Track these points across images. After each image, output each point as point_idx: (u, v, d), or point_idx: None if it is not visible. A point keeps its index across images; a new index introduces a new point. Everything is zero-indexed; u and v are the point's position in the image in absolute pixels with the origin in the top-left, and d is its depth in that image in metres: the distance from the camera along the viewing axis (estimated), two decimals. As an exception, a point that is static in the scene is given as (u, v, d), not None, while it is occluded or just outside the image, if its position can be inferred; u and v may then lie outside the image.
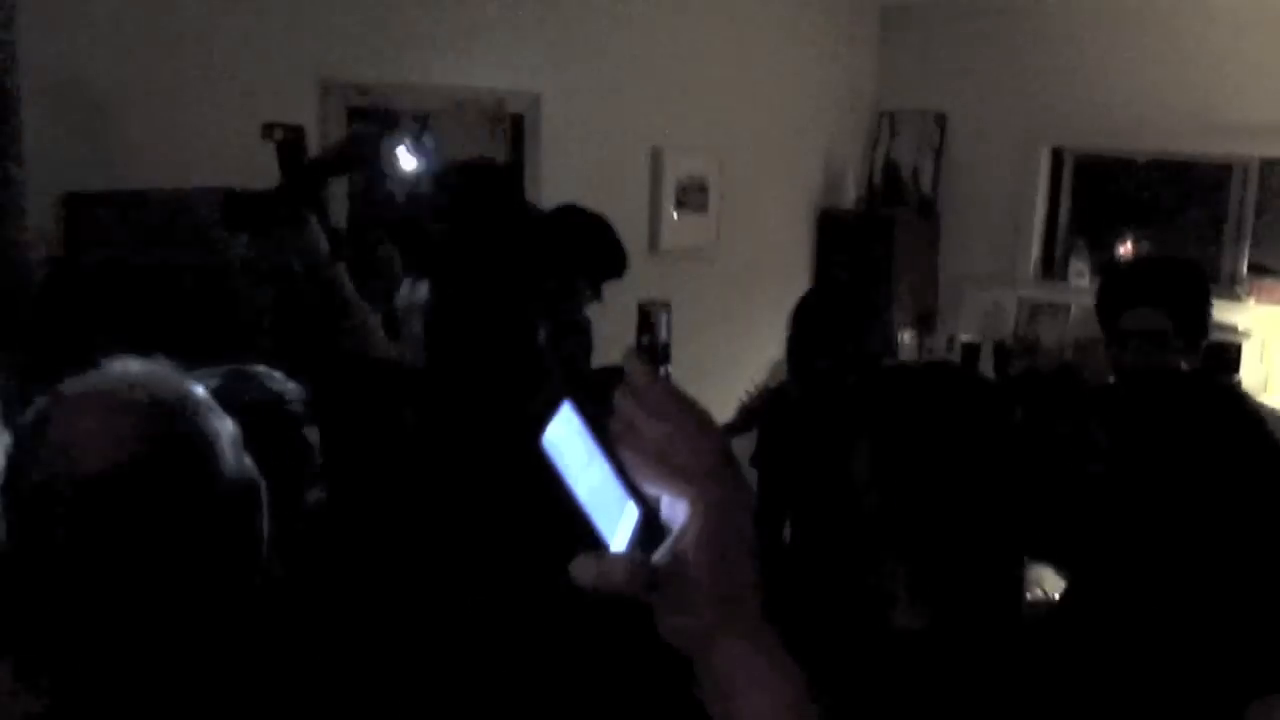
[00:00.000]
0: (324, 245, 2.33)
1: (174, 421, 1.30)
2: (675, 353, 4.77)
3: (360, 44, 3.93)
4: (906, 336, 6.01)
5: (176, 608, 1.28)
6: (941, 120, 6.13)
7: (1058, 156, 6.07)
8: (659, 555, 0.82)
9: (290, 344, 2.31)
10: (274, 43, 3.68)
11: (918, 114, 6.18)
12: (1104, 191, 6.11)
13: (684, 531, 0.82)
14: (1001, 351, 5.78)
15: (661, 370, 0.80)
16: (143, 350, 1.39)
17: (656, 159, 5.19)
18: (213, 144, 3.41)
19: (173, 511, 1.26)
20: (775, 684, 0.82)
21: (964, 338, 5.91)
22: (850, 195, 6.11)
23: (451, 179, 2.58)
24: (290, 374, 2.20)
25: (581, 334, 3.62)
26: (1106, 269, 3.14)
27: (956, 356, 5.86)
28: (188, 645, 1.28)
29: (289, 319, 2.31)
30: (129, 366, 1.34)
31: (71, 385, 1.31)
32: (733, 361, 5.43)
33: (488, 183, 2.32)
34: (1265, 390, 5.31)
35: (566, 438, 0.81)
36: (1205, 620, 1.47)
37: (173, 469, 1.27)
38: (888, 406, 1.63)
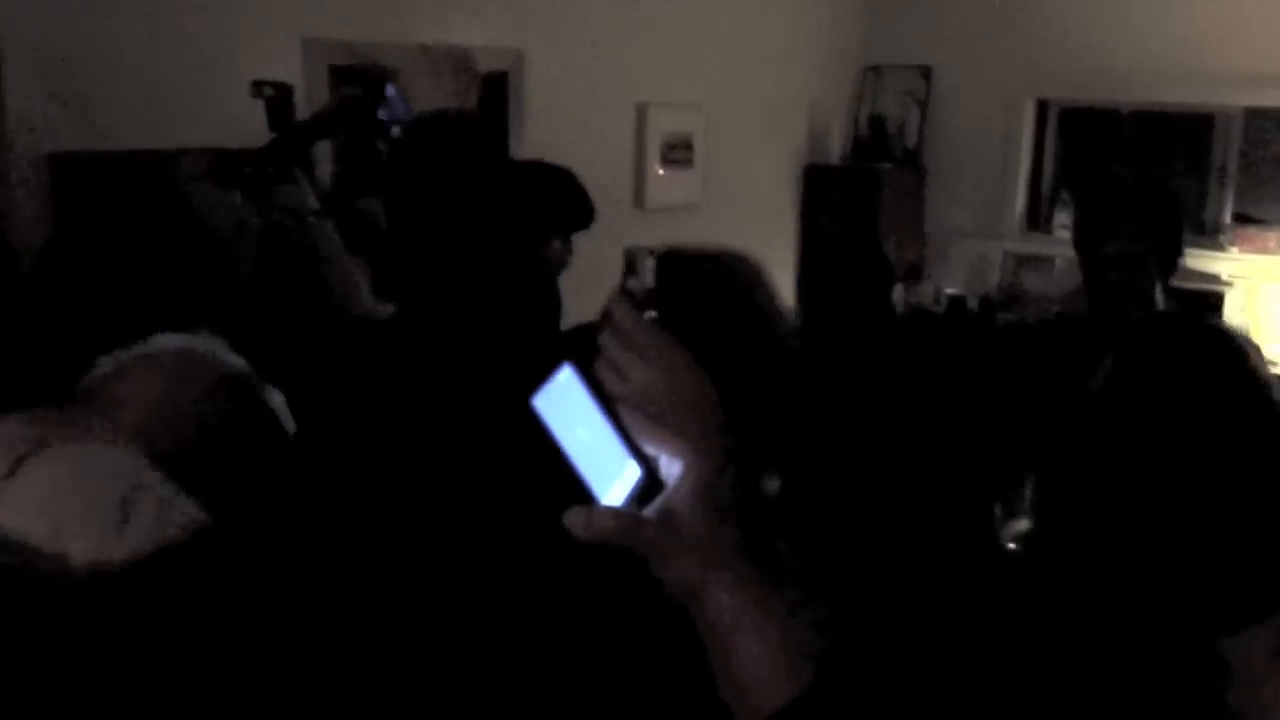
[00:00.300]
0: (312, 202, 2.34)
1: (246, 394, 1.30)
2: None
3: (345, 1, 3.91)
4: (894, 290, 6.04)
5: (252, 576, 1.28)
6: (926, 73, 6.12)
7: (1042, 108, 6.08)
8: (650, 509, 0.85)
9: (278, 301, 2.32)
10: (257, 0, 3.66)
11: (903, 68, 6.17)
12: (1089, 143, 6.13)
13: (677, 487, 0.86)
14: (987, 304, 5.81)
15: (647, 314, 0.84)
16: (138, 315, 1.39)
17: (642, 115, 5.18)
18: (196, 103, 3.39)
19: (258, 477, 1.27)
20: (764, 629, 0.85)
21: (950, 291, 5.94)
22: (836, 150, 6.11)
23: (427, 130, 2.57)
24: (278, 333, 2.22)
25: (552, 293, 3.63)
26: (1084, 198, 3.18)
27: (942, 309, 5.90)
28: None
29: (277, 276, 2.32)
30: (178, 341, 1.33)
31: (128, 358, 1.30)
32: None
33: (465, 134, 2.31)
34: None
35: (563, 399, 0.84)
36: (1182, 560, 1.50)
37: (252, 438, 1.27)
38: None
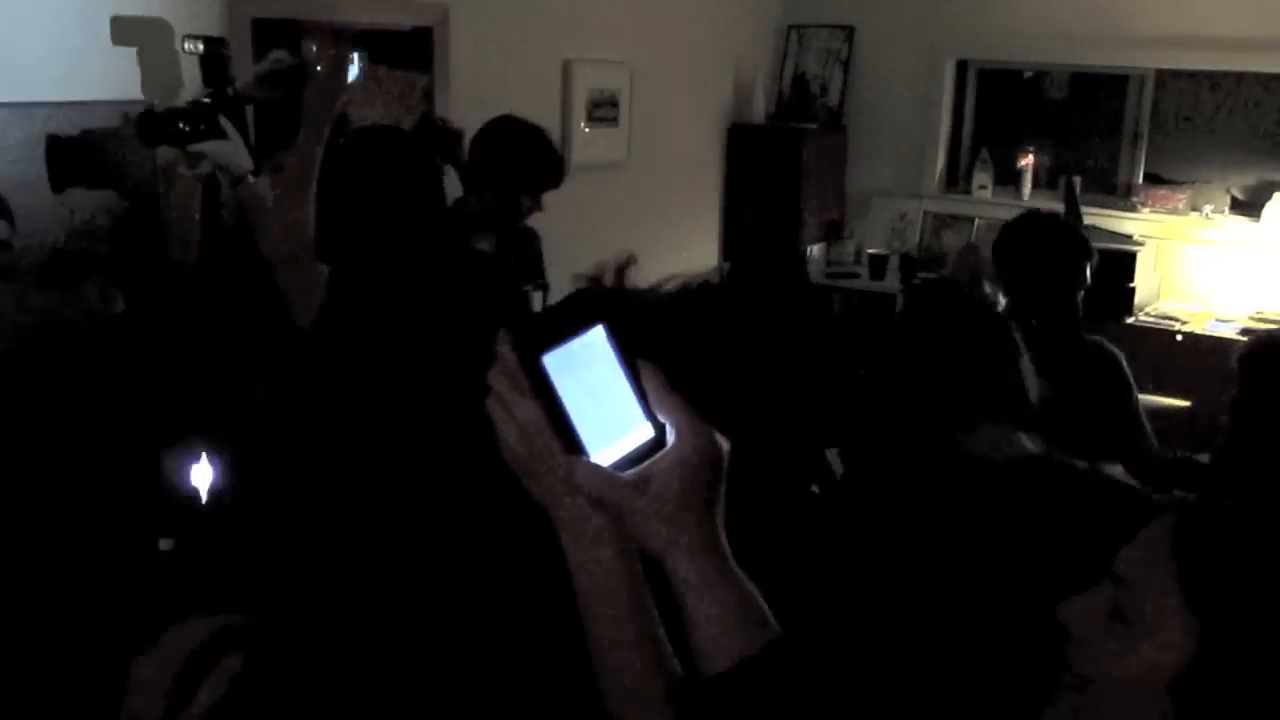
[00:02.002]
0: (245, 159, 2.31)
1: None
2: (585, 267, 4.83)
3: (264, -47, 3.85)
4: (815, 250, 6.11)
5: None
6: (849, 34, 6.17)
7: (962, 69, 6.16)
8: (632, 471, 0.91)
9: (211, 256, 2.31)
10: (175, -49, 3.59)
11: (826, 27, 6.22)
12: (1006, 104, 6.23)
13: (662, 456, 0.92)
14: (907, 262, 5.91)
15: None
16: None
17: (567, 72, 5.17)
18: (115, 56, 3.32)
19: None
20: (721, 593, 0.92)
21: (871, 250, 6.02)
22: (760, 109, 6.14)
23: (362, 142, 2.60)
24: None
25: (528, 244, 3.66)
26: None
27: (864, 268, 5.98)
28: None
29: (211, 233, 2.30)
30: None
31: None
32: (645, 275, 5.47)
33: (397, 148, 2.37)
34: (1159, 297, 5.51)
35: (586, 356, 0.89)
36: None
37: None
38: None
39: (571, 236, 5.02)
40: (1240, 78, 5.53)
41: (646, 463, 0.91)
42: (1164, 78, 5.70)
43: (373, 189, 2.24)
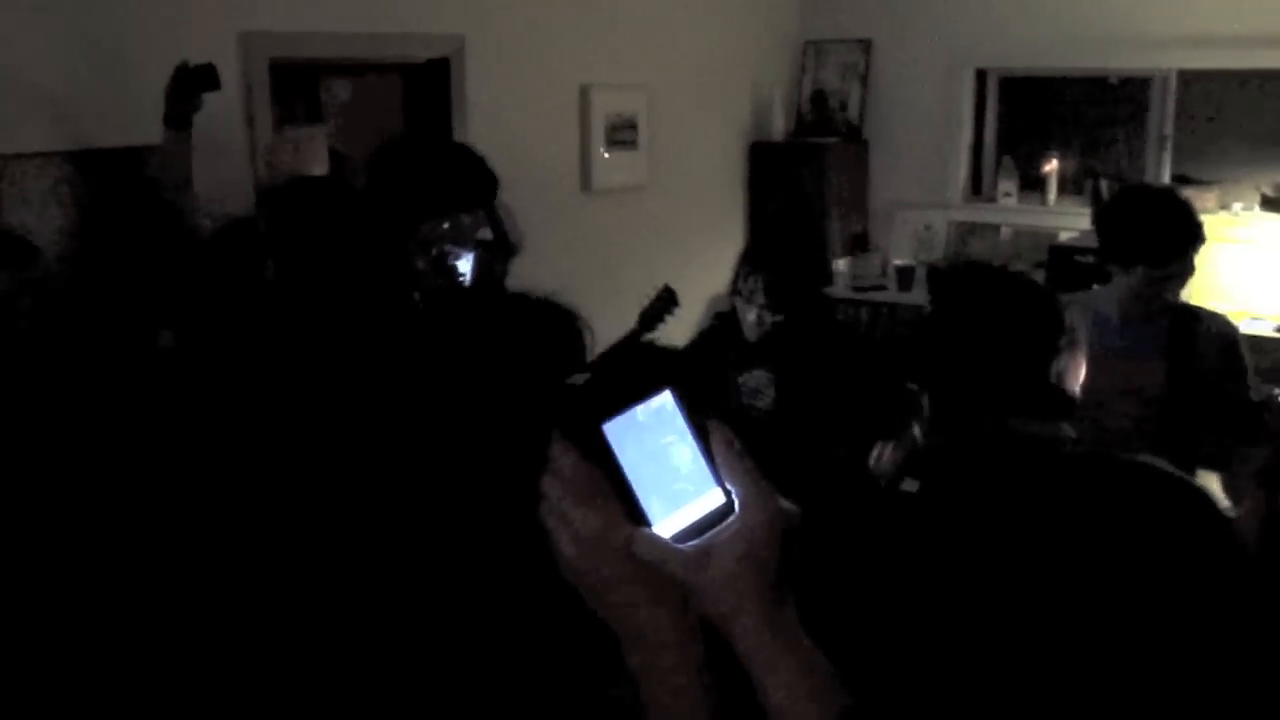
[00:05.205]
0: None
1: None
2: (611, 293, 4.81)
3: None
4: (841, 264, 6.08)
5: None
6: (867, 47, 6.15)
7: (982, 78, 6.13)
8: (694, 542, 0.89)
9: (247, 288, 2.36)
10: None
11: (843, 42, 6.20)
12: (1028, 110, 6.18)
13: (723, 529, 0.90)
14: (935, 273, 5.85)
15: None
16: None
17: (585, 97, 5.17)
18: (132, 100, 3.34)
19: None
20: (790, 669, 0.90)
21: (897, 262, 5.99)
22: (779, 126, 6.13)
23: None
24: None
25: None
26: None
27: (891, 281, 5.95)
28: None
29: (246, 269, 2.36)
30: None
31: None
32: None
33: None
34: (1191, 297, 5.43)
35: (648, 423, 0.89)
36: None
37: None
38: None
39: (594, 261, 5.01)
40: (1267, 75, 5.46)
41: (710, 533, 0.90)
42: (1188, 77, 5.64)
43: (308, 233, 2.42)
